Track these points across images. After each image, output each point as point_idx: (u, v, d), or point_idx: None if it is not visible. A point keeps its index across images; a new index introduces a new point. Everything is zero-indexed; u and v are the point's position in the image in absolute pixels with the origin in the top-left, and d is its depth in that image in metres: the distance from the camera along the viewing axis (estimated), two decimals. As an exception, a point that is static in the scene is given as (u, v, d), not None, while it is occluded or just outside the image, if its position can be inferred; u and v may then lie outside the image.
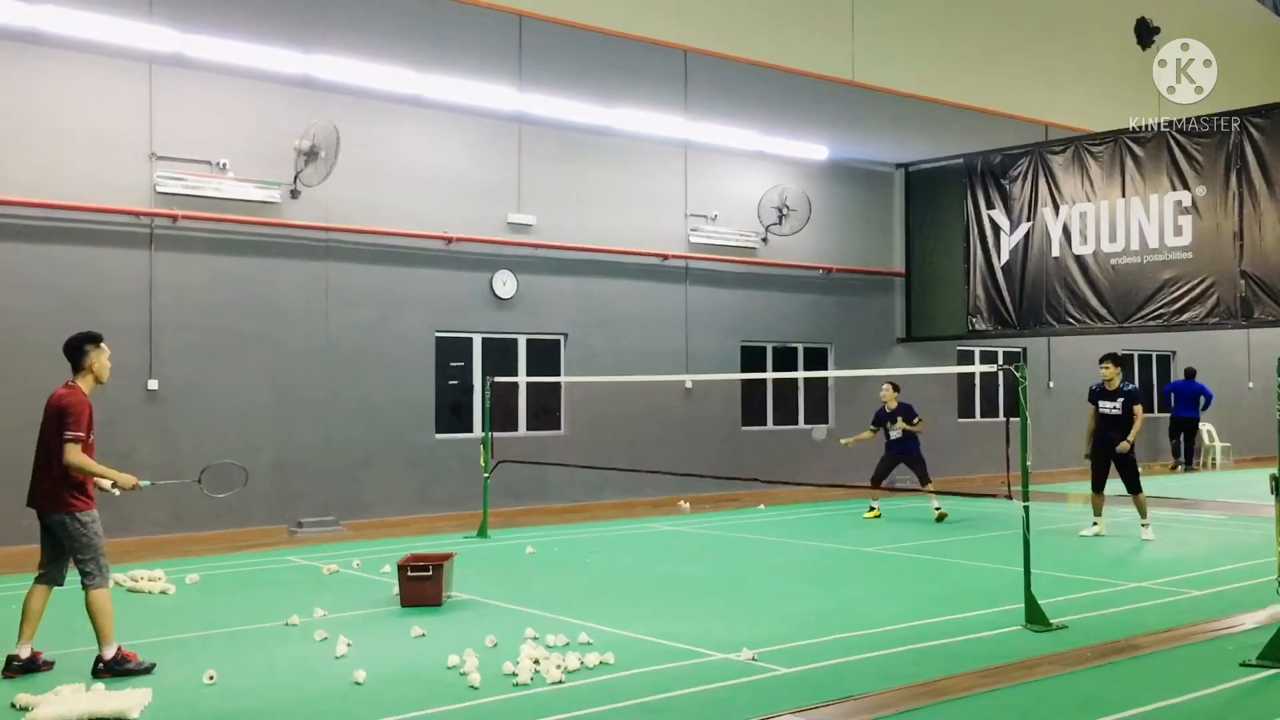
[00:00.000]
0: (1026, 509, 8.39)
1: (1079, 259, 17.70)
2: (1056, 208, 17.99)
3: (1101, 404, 12.99)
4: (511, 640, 7.64)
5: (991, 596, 9.26)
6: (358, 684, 6.64)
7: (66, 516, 6.89)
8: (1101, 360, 13.09)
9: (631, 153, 17.02)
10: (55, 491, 6.90)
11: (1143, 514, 12.94)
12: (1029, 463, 8.49)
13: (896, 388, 15.22)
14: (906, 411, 15.07)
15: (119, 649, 6.92)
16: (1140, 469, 13.24)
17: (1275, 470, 7.37)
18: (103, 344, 7.19)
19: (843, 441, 15.77)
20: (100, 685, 6.51)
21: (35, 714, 5.80)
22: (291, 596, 9.41)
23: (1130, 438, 12.75)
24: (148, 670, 6.91)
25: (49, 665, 7.04)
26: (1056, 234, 18.00)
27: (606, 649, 7.32)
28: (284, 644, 7.79)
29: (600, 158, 16.70)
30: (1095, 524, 13.26)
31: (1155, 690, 6.44)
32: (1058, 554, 11.67)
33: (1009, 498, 8.62)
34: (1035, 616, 8.14)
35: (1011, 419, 8.89)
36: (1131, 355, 24.11)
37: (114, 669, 6.82)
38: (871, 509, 15.31)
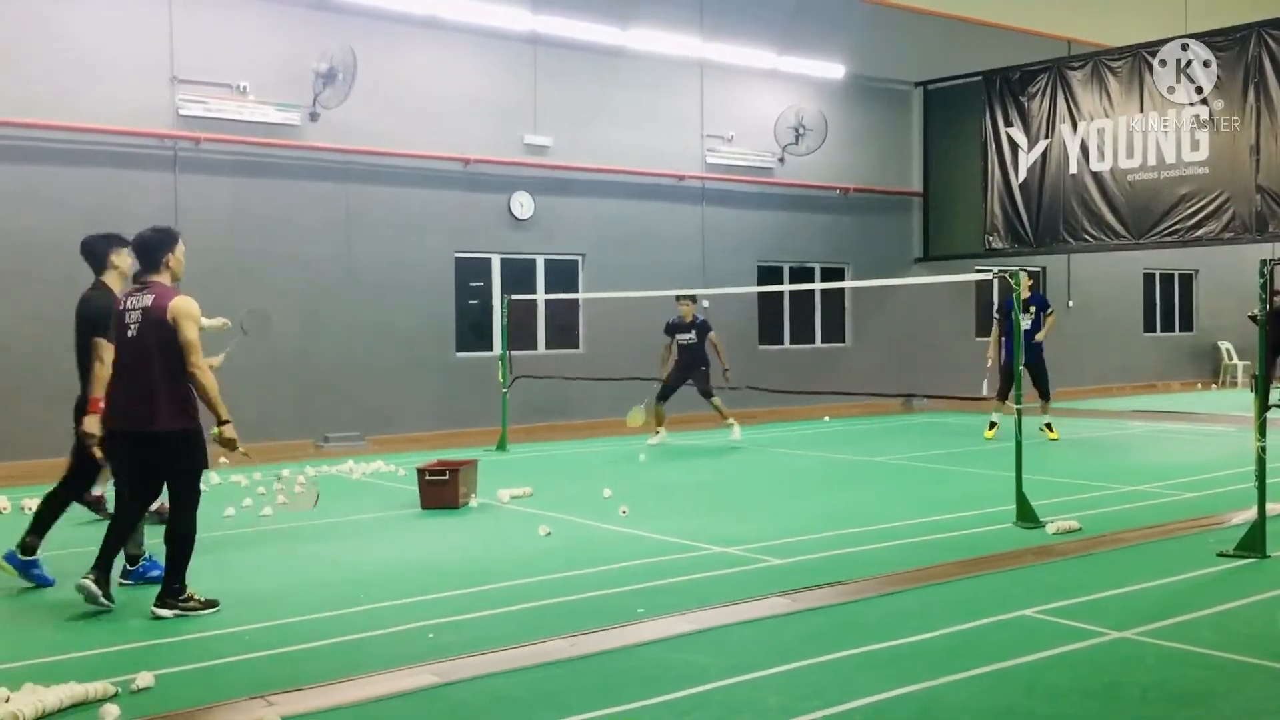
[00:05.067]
0: (1019, 411, 8.64)
1: (1096, 176, 17.66)
2: (1074, 124, 17.92)
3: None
4: (529, 530, 8.02)
5: (990, 500, 9.46)
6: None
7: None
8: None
9: (647, 73, 17.07)
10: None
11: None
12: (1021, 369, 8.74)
13: (1031, 274, 14.74)
14: (1040, 302, 14.22)
15: None
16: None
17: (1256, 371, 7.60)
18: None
19: (989, 363, 14.21)
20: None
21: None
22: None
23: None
24: None
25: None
26: (1074, 151, 17.93)
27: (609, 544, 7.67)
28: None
29: (616, 78, 16.77)
30: (994, 425, 14.32)
31: (1130, 576, 6.72)
32: (1066, 464, 11.93)
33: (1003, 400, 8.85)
34: (1026, 514, 8.41)
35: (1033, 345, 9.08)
36: (1154, 275, 24.09)
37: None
38: (992, 425, 14.35)
